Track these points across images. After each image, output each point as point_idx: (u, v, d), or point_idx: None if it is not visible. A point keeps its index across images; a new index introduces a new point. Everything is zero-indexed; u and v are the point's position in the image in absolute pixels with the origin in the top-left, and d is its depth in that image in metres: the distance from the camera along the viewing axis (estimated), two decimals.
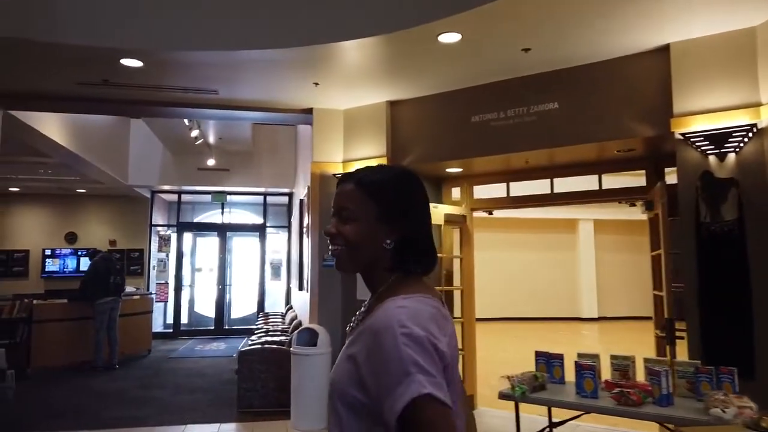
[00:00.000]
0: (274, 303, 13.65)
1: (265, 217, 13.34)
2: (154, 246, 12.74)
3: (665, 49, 4.30)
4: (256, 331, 7.88)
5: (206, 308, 13.73)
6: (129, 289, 9.48)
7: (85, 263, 12.31)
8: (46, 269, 12.17)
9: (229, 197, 12.66)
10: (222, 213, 13.32)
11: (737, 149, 3.95)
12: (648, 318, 17.31)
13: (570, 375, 3.57)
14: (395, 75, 5.17)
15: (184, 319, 12.83)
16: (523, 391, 3.29)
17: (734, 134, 3.87)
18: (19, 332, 7.66)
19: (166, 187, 12.04)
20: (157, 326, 11.81)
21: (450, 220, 6.02)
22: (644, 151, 4.97)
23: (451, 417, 1.04)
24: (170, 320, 12.79)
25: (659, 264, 5.02)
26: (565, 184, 5.80)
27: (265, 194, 13.03)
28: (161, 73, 5.03)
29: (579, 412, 3.41)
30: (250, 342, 6.70)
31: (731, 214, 3.89)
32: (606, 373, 3.65)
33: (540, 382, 3.45)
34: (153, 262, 12.70)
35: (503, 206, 6.22)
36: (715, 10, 3.77)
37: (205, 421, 5.77)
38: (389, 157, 5.71)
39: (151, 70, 4.95)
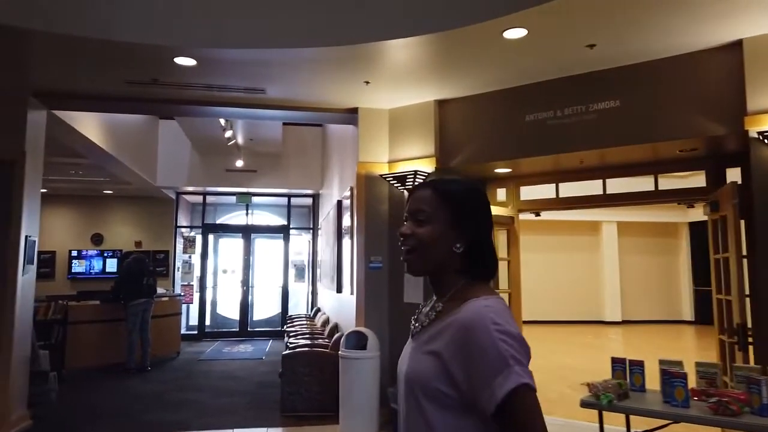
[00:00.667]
0: (296, 305, 13.58)
1: (288, 218, 13.27)
2: (179, 247, 12.70)
3: (737, 44, 4.17)
4: (291, 334, 7.78)
5: (228, 310, 13.67)
6: (160, 290, 9.41)
7: (111, 265, 12.34)
8: (73, 270, 12.15)
9: (252, 199, 12.61)
10: (247, 214, 13.26)
11: None
12: (671, 322, 17.16)
13: (651, 383, 3.44)
14: (445, 73, 5.05)
15: (207, 320, 12.79)
16: (609, 400, 3.17)
17: None
18: (54, 334, 7.61)
19: (192, 189, 11.98)
20: (182, 328, 11.77)
21: (498, 221, 5.90)
22: (706, 151, 4.84)
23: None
24: (194, 322, 12.74)
25: (720, 267, 4.89)
26: (608, 185, 5.69)
27: (289, 195, 12.97)
28: (212, 72, 4.95)
29: (666, 422, 3.27)
30: (289, 345, 6.60)
31: None
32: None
33: (624, 389, 3.32)
34: (178, 264, 12.66)
35: (552, 207, 6.10)
36: None
37: (249, 425, 5.68)
38: (438, 158, 5.61)
39: (202, 69, 4.87)
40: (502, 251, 6.15)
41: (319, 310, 10.87)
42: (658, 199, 5.47)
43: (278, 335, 12.70)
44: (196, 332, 12.40)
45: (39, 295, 9.45)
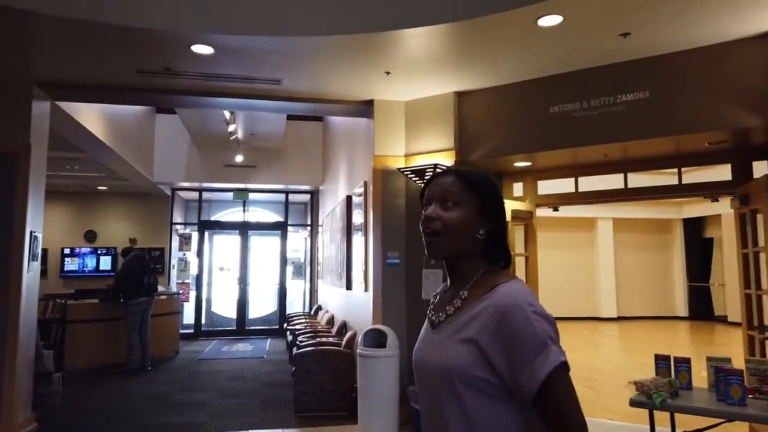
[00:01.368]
0: (292, 303, 13.40)
1: (286, 215, 13.08)
2: (175, 245, 12.45)
3: None
4: (297, 333, 7.61)
5: (224, 308, 13.46)
6: (159, 288, 9.19)
7: (105, 262, 12.08)
8: (65, 268, 11.85)
9: (249, 195, 12.40)
10: (244, 211, 13.04)
11: None
12: (665, 318, 17.23)
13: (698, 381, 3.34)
14: (468, 63, 4.91)
15: (202, 319, 12.55)
16: (663, 399, 3.06)
17: None
18: (53, 333, 7.37)
19: (187, 185, 11.74)
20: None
21: (517, 216, 5.79)
22: (732, 144, 4.76)
23: None
24: (189, 320, 12.49)
25: (748, 262, 4.82)
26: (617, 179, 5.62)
27: (286, 192, 12.78)
28: (228, 61, 4.76)
29: (718, 421, 3.18)
30: (299, 343, 6.44)
31: None
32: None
33: (674, 388, 3.22)
34: (173, 261, 12.42)
35: (571, 202, 5.99)
36: None
37: (265, 427, 5.51)
38: (458, 151, 5.47)
39: (218, 58, 4.68)
40: (519, 247, 6.05)
41: (320, 307, 10.71)
42: (682, 194, 5.40)
43: (276, 334, 12.53)
44: (192, 331, 12.16)
45: None
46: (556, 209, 7.26)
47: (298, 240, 14.02)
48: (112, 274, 12.05)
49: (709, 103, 4.37)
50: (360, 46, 4.53)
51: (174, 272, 12.41)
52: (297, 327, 8.41)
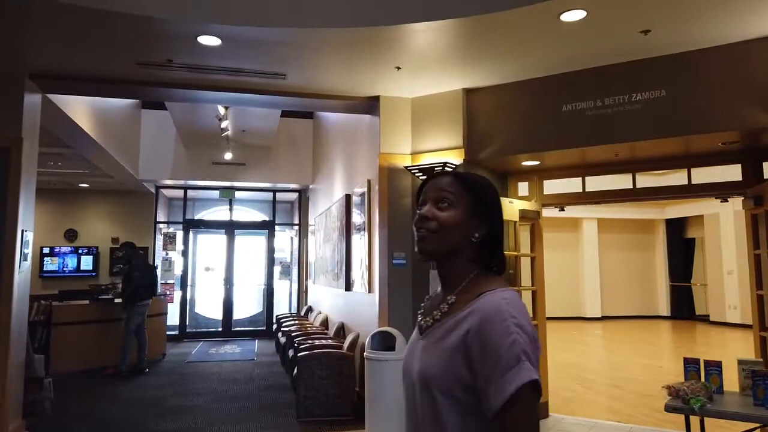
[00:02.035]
0: (278, 303, 13.17)
1: (273, 214, 12.86)
2: (159, 244, 12.14)
3: None
4: (293, 335, 7.42)
5: (209, 309, 13.19)
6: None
7: (86, 262, 11.71)
8: (45, 268, 11.45)
9: (235, 194, 12.15)
10: (230, 210, 12.78)
11: None
12: (648, 317, 17.44)
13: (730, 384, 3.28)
14: (478, 60, 4.81)
15: (187, 320, 12.26)
16: (701, 404, 2.98)
17: None
18: (38, 336, 7.08)
19: (173, 182, 11.43)
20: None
21: (524, 216, 5.71)
22: (744, 144, 4.74)
23: None
24: (174, 321, 12.18)
25: (760, 263, 4.81)
26: (610, 181, 5.59)
27: (274, 190, 12.56)
28: (234, 53, 4.58)
29: (755, 425, 3.11)
30: (299, 347, 6.26)
31: None
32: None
33: (709, 392, 3.15)
34: (157, 261, 12.10)
35: (578, 202, 5.95)
36: None
37: None
38: (467, 149, 5.37)
39: (225, 50, 4.49)
40: (524, 247, 5.97)
41: (310, 309, 10.52)
42: (692, 194, 5.37)
43: (263, 335, 12.31)
44: (177, 332, 11.88)
45: None
46: (562, 209, 7.19)
47: (283, 239, 13.81)
48: (93, 274, 11.73)
49: (726, 102, 4.33)
50: (370, 40, 4.39)
51: (158, 272, 12.08)
52: (290, 329, 8.21)
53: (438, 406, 1.18)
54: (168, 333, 11.67)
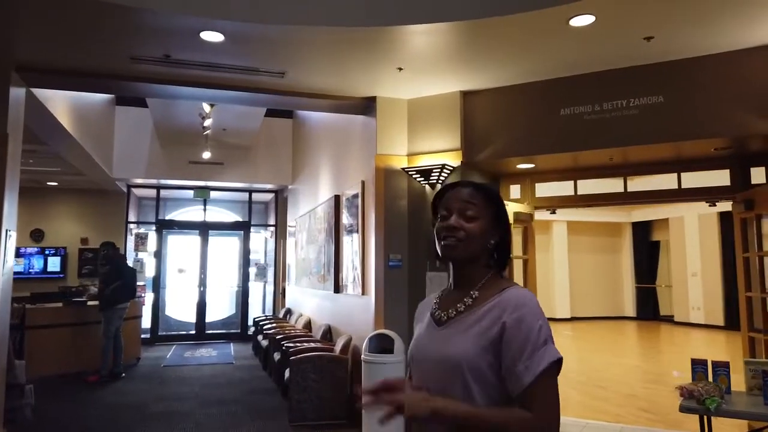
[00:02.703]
0: (251, 306, 12.94)
1: (249, 214, 12.66)
2: (130, 245, 11.80)
3: None
4: (279, 338, 7.31)
5: (182, 312, 12.90)
6: None
7: (53, 263, 11.33)
8: None
9: (210, 194, 11.91)
10: (204, 210, 12.53)
11: None
12: (615, 318, 17.81)
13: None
14: (478, 62, 4.81)
15: (159, 323, 11.96)
16: (717, 404, 3.04)
17: None
18: (11, 340, 6.75)
19: (145, 181, 11.11)
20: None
21: (518, 218, 5.76)
22: (734, 150, 4.88)
23: None
24: (146, 324, 11.83)
25: (749, 265, 4.95)
26: (594, 184, 5.69)
27: (250, 190, 12.37)
28: (235, 50, 4.47)
29: (764, 424, 3.19)
30: (289, 350, 6.16)
31: None
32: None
33: (722, 392, 3.21)
34: (129, 263, 11.74)
35: (570, 205, 6.01)
36: None
37: None
38: (464, 151, 5.37)
39: (226, 47, 4.38)
40: (517, 249, 6.02)
41: (290, 311, 10.39)
42: (681, 198, 5.49)
43: (238, 338, 12.11)
44: (149, 336, 11.55)
45: None
46: (553, 212, 7.28)
47: (258, 240, 13.60)
48: (61, 276, 11.33)
49: (722, 109, 4.44)
50: (373, 40, 4.34)
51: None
52: (273, 332, 8.08)
53: (469, 387, 1.32)
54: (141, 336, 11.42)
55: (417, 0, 4.02)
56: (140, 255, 11.91)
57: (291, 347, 6.24)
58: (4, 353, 4.86)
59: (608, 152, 5.06)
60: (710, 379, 3.46)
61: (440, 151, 5.46)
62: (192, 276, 12.46)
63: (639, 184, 5.70)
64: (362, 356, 5.07)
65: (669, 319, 16.18)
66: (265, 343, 8.40)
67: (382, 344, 5.11)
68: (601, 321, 16.91)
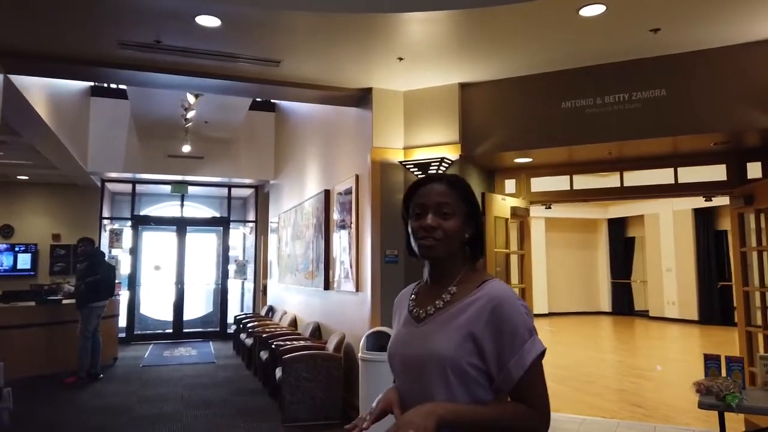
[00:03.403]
0: (229, 303, 12.67)
1: (229, 210, 12.39)
2: (105, 241, 11.42)
3: None
4: (266, 336, 7.11)
5: (158, 310, 12.57)
6: None
7: (24, 261, 10.89)
8: None
9: (188, 189, 11.60)
10: (182, 205, 12.20)
11: None
12: (591, 313, 17.99)
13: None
14: (477, 54, 4.71)
15: (135, 322, 11.60)
16: (738, 400, 2.99)
17: None
18: None
19: (120, 175, 10.74)
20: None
21: (514, 213, 5.69)
22: (731, 145, 4.88)
23: None
24: (121, 323, 11.48)
25: (746, 260, 4.97)
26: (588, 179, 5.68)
27: (229, 186, 12.09)
28: (231, 36, 4.28)
29: None
30: (278, 349, 5.99)
31: None
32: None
33: (739, 388, 3.17)
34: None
35: (565, 200, 5.98)
36: None
37: None
38: (462, 144, 5.27)
39: (222, 33, 4.19)
40: (513, 245, 5.95)
41: (272, 309, 10.17)
42: (677, 193, 5.49)
43: (217, 336, 11.84)
44: (124, 335, 11.19)
45: None
46: (548, 207, 7.24)
47: (236, 237, 13.33)
48: (32, 273, 10.91)
49: (726, 103, 4.42)
50: (370, 27, 4.19)
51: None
52: (258, 330, 7.88)
53: (451, 385, 1.30)
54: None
55: None
56: (115, 252, 11.54)
57: (281, 346, 6.06)
58: None
59: (607, 146, 5.02)
60: (723, 374, 3.43)
61: (437, 145, 5.35)
62: (168, 273, 12.13)
63: (634, 178, 5.68)
64: (359, 354, 4.95)
65: (644, 314, 16.41)
66: (249, 341, 8.19)
67: (379, 341, 4.99)
68: (578, 316, 17.08)
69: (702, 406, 3.11)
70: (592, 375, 8.00)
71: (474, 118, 5.32)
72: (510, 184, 6.00)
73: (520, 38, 4.38)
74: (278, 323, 8.66)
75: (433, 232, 1.39)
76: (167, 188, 11.63)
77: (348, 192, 6.01)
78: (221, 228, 12.42)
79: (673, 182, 5.37)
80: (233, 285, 12.87)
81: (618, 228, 17.82)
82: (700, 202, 13.91)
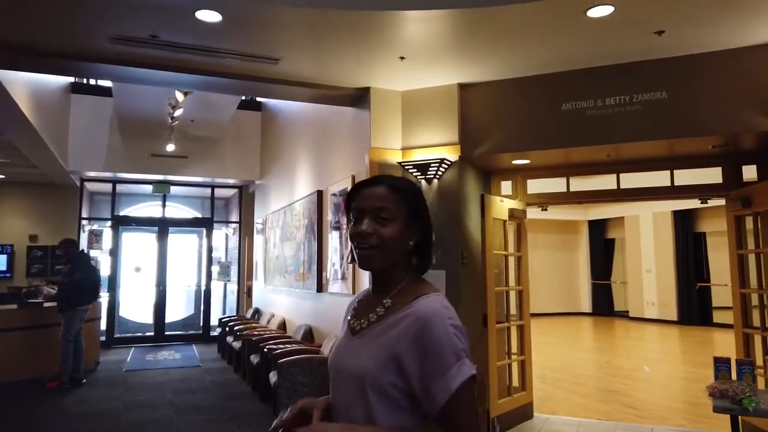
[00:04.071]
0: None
1: (212, 210, 12.18)
2: (83, 243, 11.12)
3: None
4: (257, 340, 6.98)
5: (137, 312, 12.33)
6: None
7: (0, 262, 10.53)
8: None
9: (170, 189, 11.37)
10: (164, 206, 11.96)
11: None
12: (572, 314, 18.13)
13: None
14: (477, 54, 4.66)
15: (114, 325, 11.33)
16: (755, 404, 2.98)
17: None
18: None
19: (99, 174, 10.45)
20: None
21: (512, 215, 5.66)
22: (728, 148, 4.91)
23: None
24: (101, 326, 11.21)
25: (743, 263, 5.01)
26: (584, 181, 5.68)
27: (212, 186, 11.89)
28: (230, 32, 4.16)
29: None
30: (274, 352, 5.87)
31: None
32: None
33: (753, 391, 3.17)
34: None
35: (562, 201, 5.97)
36: None
37: None
38: (462, 145, 5.21)
39: (221, 29, 4.07)
40: (510, 246, 5.92)
41: (258, 311, 10.02)
42: (673, 195, 5.51)
43: (200, 339, 11.63)
44: (104, 338, 10.91)
45: None
46: (544, 209, 7.24)
47: (218, 238, 13.13)
48: (8, 275, 10.59)
49: (726, 106, 4.44)
50: (372, 25, 4.12)
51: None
52: (246, 333, 7.74)
53: (371, 404, 1.22)
54: None
55: None
56: (94, 253, 11.25)
57: (274, 350, 5.94)
58: None
59: (606, 148, 5.01)
60: (734, 377, 3.43)
61: (437, 145, 5.29)
62: (149, 275, 11.88)
63: (629, 180, 5.69)
64: None
65: (623, 315, 16.60)
66: (237, 345, 8.03)
67: None
68: (559, 317, 17.20)
69: (717, 409, 3.10)
70: (581, 376, 8.02)
71: (473, 119, 5.28)
72: (506, 186, 5.96)
73: (523, 39, 4.34)
74: (266, 326, 8.52)
75: (367, 238, 1.30)
76: (147, 188, 11.40)
77: (343, 193, 5.92)
78: (204, 229, 12.20)
79: (669, 184, 5.40)
80: (215, 287, 12.67)
81: (598, 229, 18.00)
82: (679, 204, 14.17)
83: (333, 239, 6.21)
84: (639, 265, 15.79)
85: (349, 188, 5.74)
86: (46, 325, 7.44)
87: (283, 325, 8.15)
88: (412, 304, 1.27)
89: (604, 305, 17.65)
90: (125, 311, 12.11)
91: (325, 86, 5.28)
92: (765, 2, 3.72)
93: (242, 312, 11.65)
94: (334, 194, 6.20)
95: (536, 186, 5.92)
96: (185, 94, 7.08)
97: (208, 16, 3.88)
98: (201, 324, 11.96)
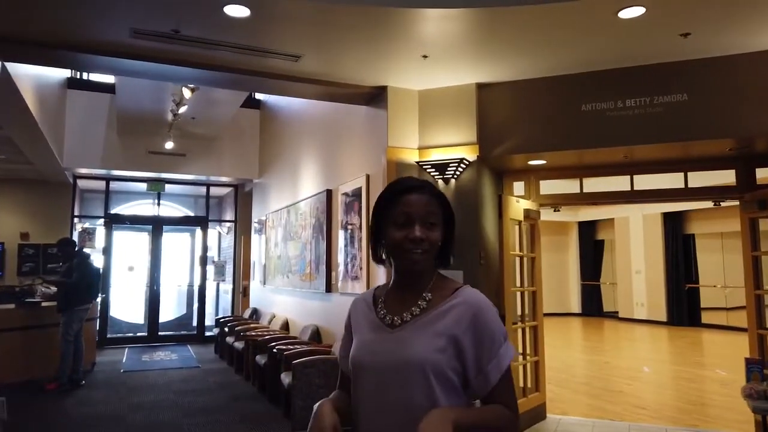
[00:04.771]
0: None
1: (207, 209, 12.03)
2: (75, 241, 10.88)
3: None
4: (263, 340, 6.90)
5: (130, 312, 12.15)
6: None
7: None
8: None
9: (165, 187, 11.20)
10: (158, 204, 11.77)
11: None
12: (562, 314, 18.25)
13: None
14: (498, 54, 4.64)
15: (107, 325, 11.14)
16: None
17: None
18: None
19: (88, 171, 10.21)
20: None
21: (527, 216, 5.66)
22: (742, 150, 4.95)
23: None
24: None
25: (758, 264, 5.06)
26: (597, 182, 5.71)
27: (208, 184, 11.74)
28: (257, 28, 4.09)
29: None
30: (284, 352, 5.79)
31: None
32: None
33: None
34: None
35: (575, 202, 6.00)
36: None
37: None
38: (480, 146, 5.19)
39: (247, 24, 3.99)
40: (524, 247, 5.91)
41: (257, 311, 9.90)
42: (687, 197, 5.55)
43: (194, 340, 11.48)
44: (97, 339, 10.70)
45: None
46: (557, 209, 7.24)
47: (211, 236, 12.97)
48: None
49: (746, 108, 4.48)
50: (396, 23, 4.07)
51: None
52: (250, 333, 7.64)
53: (432, 389, 1.30)
54: None
55: None
56: (86, 252, 11.01)
57: (284, 350, 5.86)
58: None
59: (623, 150, 5.02)
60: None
61: (455, 145, 5.26)
62: (142, 274, 11.70)
63: (642, 182, 5.72)
64: None
65: (613, 315, 16.76)
66: (239, 345, 7.92)
67: None
68: (549, 317, 17.21)
69: (757, 410, 3.10)
70: (584, 377, 8.06)
71: (491, 119, 5.26)
72: (518, 187, 5.96)
73: (547, 39, 4.33)
74: (268, 327, 8.42)
75: (421, 244, 1.38)
76: (140, 186, 11.23)
77: (356, 192, 5.86)
78: (198, 227, 12.05)
79: (682, 186, 5.44)
80: (208, 287, 12.52)
81: (588, 231, 18.16)
82: (669, 206, 14.35)
83: (342, 239, 6.15)
84: (629, 266, 15.95)
85: (363, 188, 5.69)
86: (45, 326, 7.27)
87: (286, 326, 8.06)
88: (456, 294, 1.39)
89: (593, 306, 17.80)
90: (116, 311, 11.93)
91: (341, 84, 5.22)
92: None
93: (237, 312, 11.52)
94: (346, 194, 6.14)
95: (547, 187, 5.93)
96: (192, 90, 6.96)
97: (237, 11, 3.80)
98: (195, 324, 11.80)
